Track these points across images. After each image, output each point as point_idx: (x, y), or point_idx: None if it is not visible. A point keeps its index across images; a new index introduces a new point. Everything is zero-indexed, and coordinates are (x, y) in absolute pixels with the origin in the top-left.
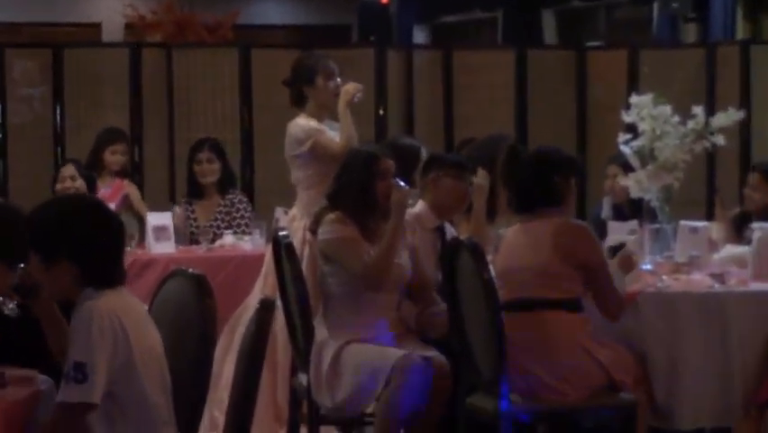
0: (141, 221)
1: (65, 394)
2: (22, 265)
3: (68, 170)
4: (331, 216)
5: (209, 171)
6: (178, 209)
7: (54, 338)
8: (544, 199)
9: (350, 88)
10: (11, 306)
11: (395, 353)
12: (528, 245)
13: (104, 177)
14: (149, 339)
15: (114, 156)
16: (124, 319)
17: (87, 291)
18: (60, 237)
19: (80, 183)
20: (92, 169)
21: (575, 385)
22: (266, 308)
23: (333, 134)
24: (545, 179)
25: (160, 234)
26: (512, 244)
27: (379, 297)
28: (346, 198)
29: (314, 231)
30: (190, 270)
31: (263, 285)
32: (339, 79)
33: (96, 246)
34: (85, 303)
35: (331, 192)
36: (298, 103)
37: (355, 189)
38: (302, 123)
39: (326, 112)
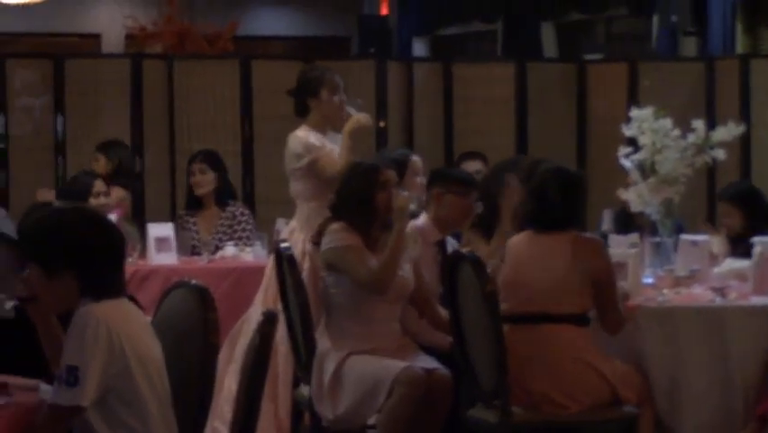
0: (143, 232)
1: (56, 396)
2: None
3: (99, 185)
4: (335, 225)
5: (203, 182)
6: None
7: (49, 346)
8: (570, 220)
9: (362, 120)
10: (8, 306)
11: (396, 364)
12: (543, 259)
13: None
14: (147, 349)
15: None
16: (121, 328)
17: (86, 302)
18: (61, 248)
19: (109, 200)
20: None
21: (578, 400)
22: (269, 320)
23: (334, 147)
24: (573, 201)
25: (161, 245)
26: (523, 257)
27: (381, 307)
28: (348, 210)
29: (317, 242)
30: (193, 281)
31: (264, 297)
32: (343, 95)
33: (95, 257)
34: (80, 309)
35: (333, 204)
36: (302, 113)
37: (356, 201)
38: (301, 136)
39: (329, 124)
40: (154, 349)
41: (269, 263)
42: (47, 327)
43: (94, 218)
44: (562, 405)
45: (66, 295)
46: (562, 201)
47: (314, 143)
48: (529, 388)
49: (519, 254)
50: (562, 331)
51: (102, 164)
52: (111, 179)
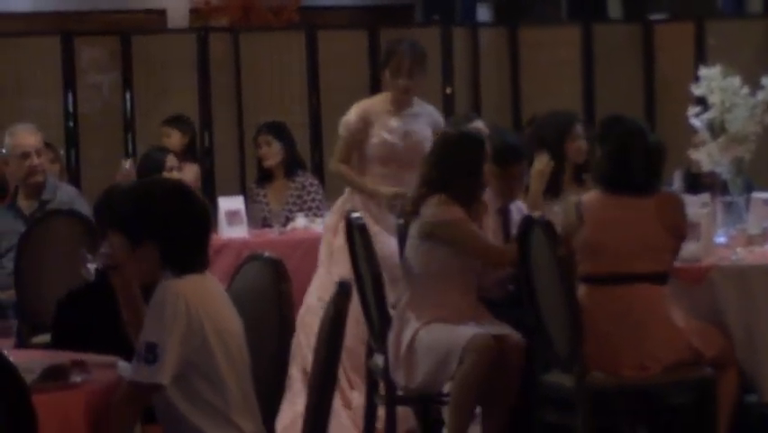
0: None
1: (135, 373)
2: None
3: (173, 160)
4: (438, 198)
5: (269, 154)
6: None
7: (130, 315)
8: (652, 186)
9: (389, 194)
10: (90, 268)
11: (467, 332)
12: (628, 220)
13: None
14: (227, 324)
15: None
16: (201, 303)
17: (168, 275)
18: (145, 220)
19: (180, 174)
20: None
21: (660, 359)
22: (343, 292)
23: (384, 133)
24: (656, 168)
25: (231, 218)
26: (605, 219)
27: (464, 277)
28: (454, 182)
29: (413, 212)
30: (266, 254)
31: (322, 281)
32: (405, 80)
33: (179, 231)
34: (160, 285)
35: (432, 177)
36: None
37: (465, 172)
38: (350, 113)
39: (396, 104)
40: (234, 324)
41: (325, 238)
42: (129, 296)
43: (180, 191)
44: (642, 366)
45: (148, 266)
46: (642, 169)
47: (349, 120)
48: (609, 349)
49: (600, 216)
50: (645, 290)
51: (175, 139)
52: (183, 154)
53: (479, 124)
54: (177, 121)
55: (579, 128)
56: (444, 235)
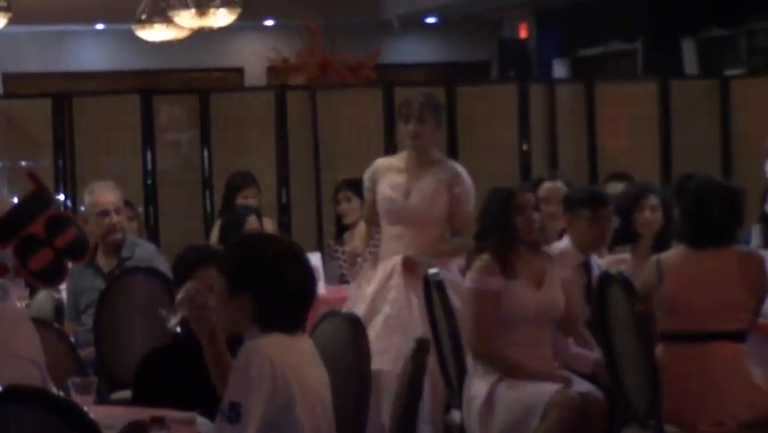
0: None
1: (218, 431)
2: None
3: (254, 221)
4: (478, 262)
5: (349, 210)
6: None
7: (215, 366)
8: (731, 235)
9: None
10: (174, 321)
11: (550, 388)
12: (709, 277)
13: None
14: (311, 382)
15: (247, 200)
16: (287, 363)
17: (252, 332)
18: (252, 272)
19: None
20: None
21: (737, 415)
22: (422, 348)
23: (393, 186)
24: (735, 215)
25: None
26: (685, 275)
27: (532, 331)
28: (490, 236)
29: (467, 267)
30: (344, 311)
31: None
32: (414, 124)
33: (280, 292)
34: (247, 344)
35: (477, 232)
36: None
37: (496, 226)
38: (371, 166)
39: (414, 154)
40: (319, 380)
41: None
42: (213, 345)
43: (293, 253)
44: (719, 422)
45: (239, 317)
46: (723, 216)
47: (365, 179)
48: (686, 405)
49: (680, 273)
50: (723, 348)
51: (254, 198)
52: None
53: (557, 183)
54: (252, 179)
55: (651, 199)
56: (468, 304)
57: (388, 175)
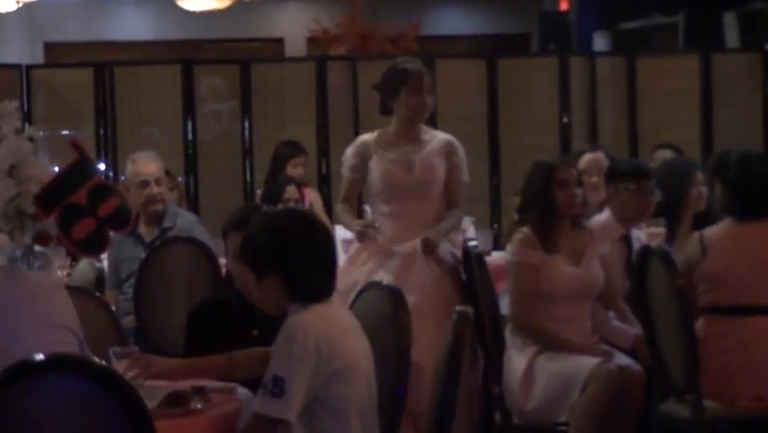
0: None
1: (261, 406)
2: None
3: (292, 192)
4: (519, 235)
5: None
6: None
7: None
8: None
9: (359, 226)
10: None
11: (590, 361)
12: (755, 249)
13: None
14: (354, 354)
15: (296, 169)
16: (330, 337)
17: (294, 307)
18: (267, 253)
19: (300, 207)
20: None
21: None
22: (463, 320)
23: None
24: None
25: (347, 246)
26: (730, 248)
27: (572, 305)
28: (531, 210)
29: (506, 242)
30: (384, 282)
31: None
32: (428, 97)
33: (302, 263)
34: (289, 319)
35: (519, 206)
36: (384, 111)
37: (537, 201)
38: (357, 141)
39: (409, 126)
40: (363, 358)
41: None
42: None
43: (303, 222)
44: (759, 397)
45: (276, 298)
46: (766, 187)
47: (346, 157)
48: (725, 380)
49: (724, 246)
50: (765, 323)
51: (300, 169)
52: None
53: (598, 155)
54: (299, 147)
55: (698, 174)
56: (509, 276)
57: (382, 150)
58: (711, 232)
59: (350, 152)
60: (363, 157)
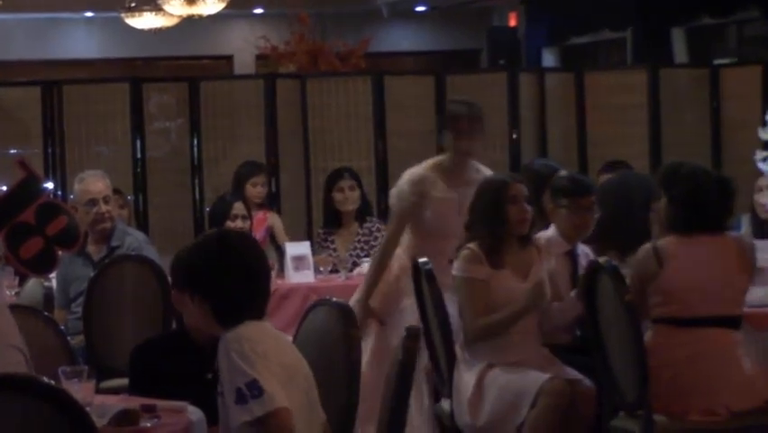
0: (281, 251)
1: (250, 412)
2: None
3: (239, 208)
4: (465, 252)
5: (352, 199)
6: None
7: None
8: (726, 220)
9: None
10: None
11: (540, 376)
12: (712, 261)
13: None
14: (292, 368)
15: (256, 188)
16: (266, 345)
17: (222, 331)
18: (190, 276)
19: (248, 223)
20: None
21: (729, 405)
22: (412, 336)
23: (445, 198)
24: (729, 203)
25: (298, 263)
26: (689, 258)
27: (523, 320)
28: (479, 225)
29: (452, 260)
30: (334, 299)
31: None
32: (467, 142)
33: (223, 287)
34: (227, 335)
35: (467, 221)
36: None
37: (486, 216)
38: (407, 177)
39: (461, 165)
40: (296, 359)
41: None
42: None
43: (230, 247)
44: (711, 411)
45: (204, 320)
46: (716, 202)
47: (403, 191)
48: (676, 394)
49: (681, 258)
50: (719, 335)
51: (259, 190)
52: (265, 205)
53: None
54: (259, 166)
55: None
56: (458, 293)
57: (435, 190)
58: (664, 244)
59: (409, 185)
60: (422, 193)
